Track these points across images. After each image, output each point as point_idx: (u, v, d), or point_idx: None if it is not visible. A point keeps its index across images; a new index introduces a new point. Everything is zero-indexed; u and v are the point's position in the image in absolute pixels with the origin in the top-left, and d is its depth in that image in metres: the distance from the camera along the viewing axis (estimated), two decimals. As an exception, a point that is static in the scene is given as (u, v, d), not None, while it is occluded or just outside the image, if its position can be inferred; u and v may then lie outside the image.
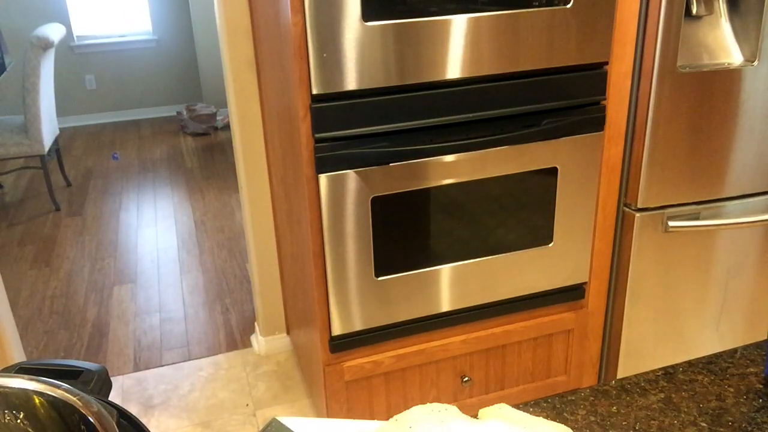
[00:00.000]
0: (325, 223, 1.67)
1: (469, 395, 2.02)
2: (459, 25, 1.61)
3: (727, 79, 1.84)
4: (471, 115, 1.69)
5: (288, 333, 2.67)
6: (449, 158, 1.70)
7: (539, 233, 1.89)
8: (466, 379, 1.99)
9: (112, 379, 0.75)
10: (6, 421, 0.65)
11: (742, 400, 0.98)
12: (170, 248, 3.59)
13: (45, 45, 3.75)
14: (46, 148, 3.94)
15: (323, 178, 1.62)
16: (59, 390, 0.65)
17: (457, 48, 1.63)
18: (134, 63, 5.69)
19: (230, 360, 2.63)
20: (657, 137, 1.83)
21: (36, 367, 0.75)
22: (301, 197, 1.73)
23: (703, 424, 0.93)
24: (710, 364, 1.06)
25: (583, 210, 1.91)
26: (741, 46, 1.86)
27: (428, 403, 0.80)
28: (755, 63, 1.83)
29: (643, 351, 2.09)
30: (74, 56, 5.53)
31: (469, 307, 1.91)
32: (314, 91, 1.54)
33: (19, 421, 0.65)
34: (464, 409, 2.03)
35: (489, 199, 1.80)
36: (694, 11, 1.78)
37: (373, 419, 1.90)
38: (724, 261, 2.05)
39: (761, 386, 1.00)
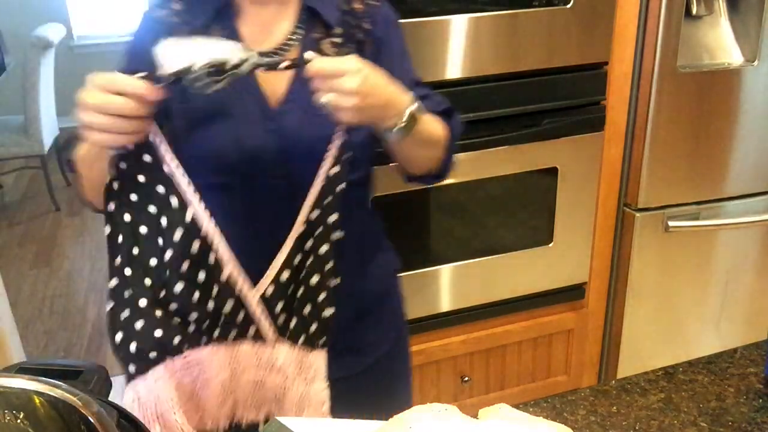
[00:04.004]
0: (325, 223, 1.66)
1: (469, 395, 2.02)
2: (459, 25, 1.61)
3: (727, 79, 1.84)
4: (471, 115, 1.69)
5: (288, 333, 2.67)
6: (449, 158, 1.70)
7: (539, 233, 1.89)
8: (466, 379, 1.99)
9: (112, 379, 0.75)
10: (6, 421, 0.65)
11: (742, 400, 0.98)
12: (170, 248, 3.59)
13: (45, 45, 3.74)
14: (46, 148, 3.94)
15: (323, 178, 1.62)
16: (59, 390, 0.65)
17: (457, 48, 1.63)
18: (134, 63, 5.68)
19: (230, 360, 2.63)
20: (657, 137, 1.83)
21: (36, 367, 0.75)
22: (301, 197, 1.73)
23: (703, 424, 0.93)
24: (710, 364, 1.06)
25: (583, 210, 1.91)
26: (741, 46, 1.86)
27: (428, 403, 0.80)
28: (755, 63, 1.83)
29: (643, 351, 2.09)
30: (74, 56, 5.52)
31: (469, 307, 1.91)
32: (314, 91, 1.54)
33: (19, 421, 0.65)
34: (464, 409, 2.02)
35: (489, 199, 1.80)
36: (694, 11, 1.77)
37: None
38: (724, 261, 2.05)
39: (761, 386, 1.00)
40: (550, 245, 1.90)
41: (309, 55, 0.84)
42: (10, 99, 4.60)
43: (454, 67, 1.64)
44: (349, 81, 0.82)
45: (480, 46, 1.64)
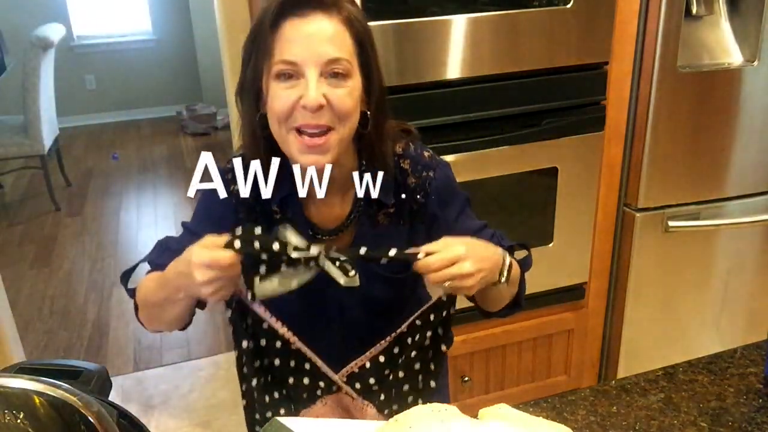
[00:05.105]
0: (325, 223, 1.66)
1: (469, 395, 2.02)
2: (459, 25, 1.61)
3: (727, 79, 1.84)
4: (471, 115, 1.69)
5: (288, 333, 2.67)
6: (449, 158, 1.70)
7: (539, 233, 1.89)
8: (466, 379, 1.99)
9: (112, 379, 0.76)
10: (6, 421, 0.65)
11: (742, 400, 0.98)
12: (170, 248, 3.58)
13: (45, 45, 3.74)
14: (46, 148, 3.94)
15: (323, 178, 1.62)
16: (59, 390, 0.65)
17: (457, 48, 1.63)
18: (134, 63, 5.68)
19: (230, 360, 2.63)
20: (657, 137, 1.83)
21: (36, 367, 0.75)
22: (301, 197, 1.73)
23: (703, 424, 0.93)
24: (710, 364, 1.06)
25: (583, 210, 1.91)
26: (741, 46, 1.86)
27: (428, 403, 0.80)
28: (755, 63, 1.83)
29: (643, 351, 2.09)
30: (74, 56, 5.52)
31: (469, 307, 1.90)
32: (314, 91, 1.54)
33: (19, 421, 0.65)
34: (464, 409, 2.02)
35: (489, 198, 1.80)
36: (694, 11, 1.77)
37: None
38: (724, 261, 2.04)
39: (761, 386, 1.00)
40: (550, 245, 1.90)
41: (415, 250, 0.91)
42: (10, 99, 4.60)
43: (454, 67, 1.64)
44: (466, 266, 0.90)
45: (480, 46, 1.64)
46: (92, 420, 0.62)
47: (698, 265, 2.03)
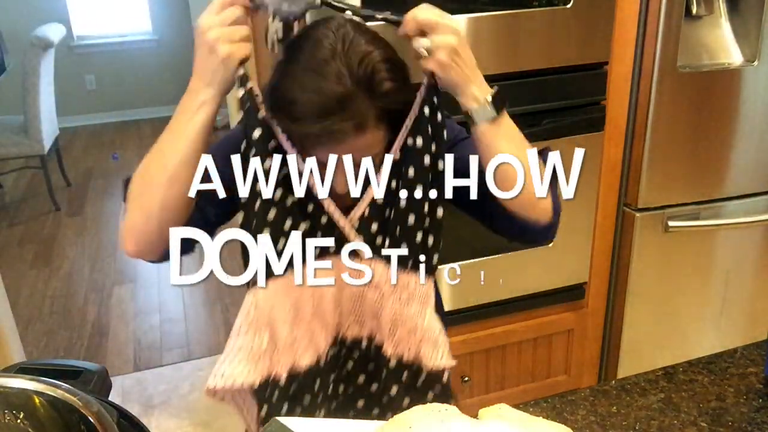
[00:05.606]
0: (325, 223, 1.66)
1: (469, 395, 2.02)
2: (459, 25, 1.61)
3: (727, 79, 1.84)
4: (471, 115, 1.69)
5: (288, 333, 2.67)
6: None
7: (539, 233, 1.88)
8: (466, 379, 1.98)
9: (112, 379, 0.76)
10: (6, 421, 0.65)
11: (742, 400, 0.98)
12: (170, 248, 3.58)
13: (45, 45, 3.74)
14: (46, 148, 3.93)
15: (323, 178, 1.62)
16: (59, 390, 0.65)
17: (457, 48, 1.63)
18: (134, 63, 5.67)
19: (230, 360, 2.63)
20: (657, 137, 1.83)
21: (36, 367, 0.75)
22: (301, 197, 1.73)
23: (703, 424, 0.93)
24: (710, 364, 1.06)
25: (583, 210, 1.90)
26: (741, 46, 1.85)
27: (428, 403, 0.80)
28: (755, 63, 1.83)
29: (643, 351, 2.09)
30: (74, 56, 5.52)
31: (469, 307, 1.91)
32: (314, 91, 1.54)
33: (19, 421, 0.65)
34: (464, 409, 2.02)
35: (489, 199, 1.80)
36: (694, 11, 1.77)
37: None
38: (724, 261, 2.04)
39: (761, 386, 1.00)
40: (550, 245, 1.90)
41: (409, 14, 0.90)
42: (10, 99, 4.60)
43: (454, 67, 1.64)
44: (449, 38, 0.92)
45: (480, 46, 1.64)
46: (92, 420, 0.62)
47: (698, 265, 2.03)
